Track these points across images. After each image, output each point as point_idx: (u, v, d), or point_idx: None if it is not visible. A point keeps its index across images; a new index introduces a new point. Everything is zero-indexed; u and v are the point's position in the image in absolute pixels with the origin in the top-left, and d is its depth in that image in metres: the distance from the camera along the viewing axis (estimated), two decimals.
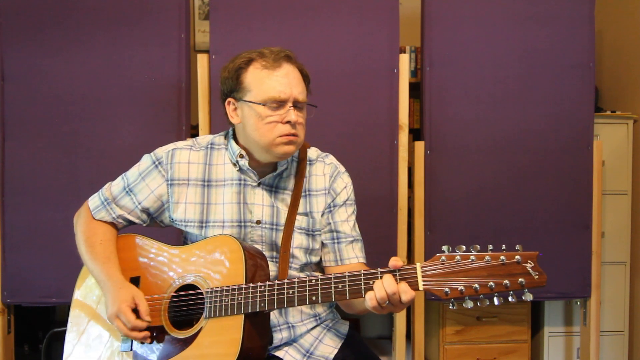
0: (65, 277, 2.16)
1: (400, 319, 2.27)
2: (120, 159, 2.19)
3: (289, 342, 1.45)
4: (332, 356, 1.44)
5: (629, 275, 2.65)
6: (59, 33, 2.21)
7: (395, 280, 1.16)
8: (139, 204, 1.47)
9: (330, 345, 1.46)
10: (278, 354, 1.43)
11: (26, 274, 2.21)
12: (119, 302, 1.32)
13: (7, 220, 2.22)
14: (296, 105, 1.38)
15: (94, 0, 2.21)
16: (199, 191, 1.45)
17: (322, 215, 1.48)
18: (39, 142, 2.21)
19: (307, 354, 1.44)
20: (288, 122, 1.36)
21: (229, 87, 1.42)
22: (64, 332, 1.47)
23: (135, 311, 1.32)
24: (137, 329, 1.31)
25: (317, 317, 1.49)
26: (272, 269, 1.42)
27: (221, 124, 2.17)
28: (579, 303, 2.43)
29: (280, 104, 1.36)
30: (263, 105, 1.36)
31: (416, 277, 1.15)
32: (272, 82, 1.36)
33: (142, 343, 1.35)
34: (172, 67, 2.23)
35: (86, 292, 1.48)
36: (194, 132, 2.32)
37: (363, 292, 1.19)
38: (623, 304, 2.66)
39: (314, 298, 1.22)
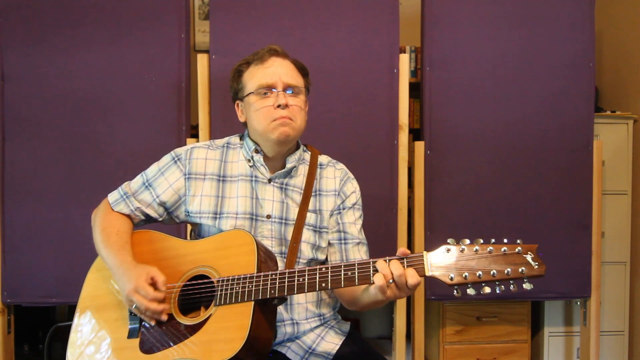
0: (65, 277, 2.17)
1: (400, 319, 2.27)
2: (120, 158, 2.20)
3: (292, 339, 1.48)
4: (334, 352, 1.47)
5: (629, 275, 2.65)
6: (59, 33, 2.21)
7: (403, 266, 1.20)
8: (157, 197, 1.51)
9: (332, 342, 1.49)
10: (281, 349, 1.46)
11: (26, 274, 2.21)
12: (135, 279, 1.34)
13: (7, 220, 2.22)
14: (288, 90, 1.45)
15: (94, 0, 2.21)
16: (214, 185, 1.50)
17: (332, 215, 1.53)
18: (39, 142, 2.21)
19: (310, 350, 1.47)
20: (279, 106, 1.43)
21: (234, 89, 1.54)
22: (68, 327, 1.49)
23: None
24: (156, 300, 1.33)
25: (321, 317, 1.52)
26: (280, 265, 1.44)
27: (221, 124, 2.18)
28: (579, 303, 2.43)
29: (268, 89, 1.45)
30: (254, 94, 1.45)
31: (423, 263, 1.20)
32: (260, 73, 1.47)
33: (155, 323, 1.35)
34: (172, 67, 2.23)
35: (96, 284, 1.50)
36: (194, 132, 2.32)
37: (371, 278, 1.22)
38: (623, 304, 2.66)
39: (323, 284, 1.25)
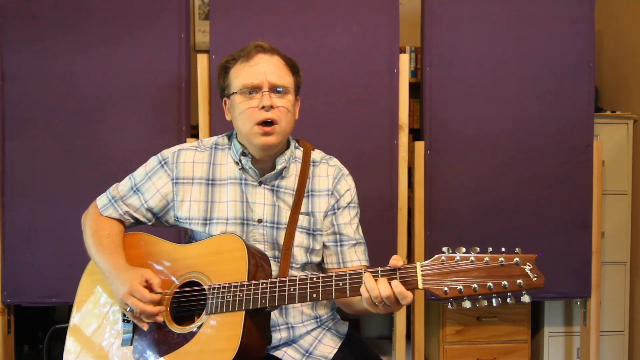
0: (65, 277, 2.17)
1: (400, 319, 2.27)
2: (120, 158, 2.20)
3: (288, 343, 1.45)
4: (332, 356, 1.45)
5: (629, 275, 2.65)
6: (59, 33, 2.21)
7: (390, 284, 1.16)
8: (145, 202, 1.49)
9: (329, 345, 1.47)
10: (277, 354, 1.43)
11: (26, 274, 2.21)
12: (129, 282, 1.32)
13: (7, 220, 2.22)
14: (274, 90, 1.40)
15: (94, 0, 2.21)
16: (203, 189, 1.47)
17: (326, 216, 1.49)
18: (39, 142, 2.21)
19: (306, 354, 1.45)
20: (263, 107, 1.38)
21: (221, 86, 1.48)
22: (66, 328, 1.48)
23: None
24: (152, 302, 1.31)
25: (318, 319, 1.50)
26: (274, 268, 1.42)
27: (221, 124, 2.18)
28: (579, 303, 2.43)
29: (253, 89, 1.39)
30: (238, 94, 1.40)
31: (416, 275, 1.16)
32: (245, 71, 1.41)
33: (147, 329, 1.34)
34: (172, 67, 2.23)
35: (90, 287, 1.49)
36: (194, 132, 2.32)
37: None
38: (623, 304, 2.66)
39: (314, 295, 1.23)
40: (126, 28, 2.22)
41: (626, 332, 2.67)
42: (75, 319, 1.47)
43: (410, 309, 2.35)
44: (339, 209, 1.50)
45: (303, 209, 1.46)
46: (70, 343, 1.45)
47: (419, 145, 2.30)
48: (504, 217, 2.30)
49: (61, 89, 2.21)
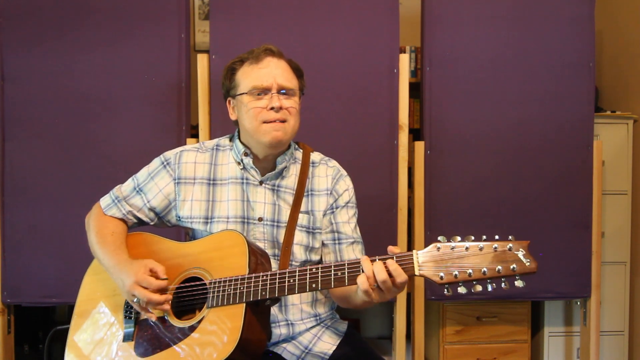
0: (66, 277, 2.17)
1: (400, 319, 2.27)
2: (120, 158, 2.20)
3: (287, 339, 1.47)
4: (331, 352, 1.47)
5: (629, 275, 2.65)
6: (59, 33, 2.21)
7: (386, 268, 1.19)
8: (148, 202, 1.51)
9: (328, 342, 1.49)
10: (276, 350, 1.46)
11: (26, 274, 2.22)
12: (134, 272, 1.34)
13: (7, 220, 2.22)
14: (282, 92, 1.43)
15: (94, 0, 2.21)
16: (204, 189, 1.49)
17: (324, 215, 1.51)
18: (39, 142, 2.21)
19: (306, 351, 1.47)
20: (272, 108, 1.41)
21: (226, 87, 1.51)
22: (66, 330, 1.49)
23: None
24: (159, 288, 1.33)
25: (318, 317, 1.52)
26: (274, 266, 1.44)
27: (221, 124, 2.18)
28: (579, 303, 2.43)
29: (263, 91, 1.43)
30: (247, 94, 1.43)
31: (412, 262, 1.18)
32: (254, 73, 1.45)
33: (156, 320, 1.35)
34: (172, 67, 2.23)
35: (92, 286, 1.50)
36: (194, 132, 2.33)
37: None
38: (623, 304, 2.66)
39: (314, 285, 1.25)
40: (126, 28, 2.22)
41: (626, 332, 2.67)
42: (77, 317, 1.48)
43: (410, 309, 2.35)
44: (337, 208, 1.52)
45: (303, 207, 1.49)
46: (72, 342, 1.46)
47: (419, 145, 2.30)
48: (504, 216, 2.31)
49: (61, 89, 2.21)
